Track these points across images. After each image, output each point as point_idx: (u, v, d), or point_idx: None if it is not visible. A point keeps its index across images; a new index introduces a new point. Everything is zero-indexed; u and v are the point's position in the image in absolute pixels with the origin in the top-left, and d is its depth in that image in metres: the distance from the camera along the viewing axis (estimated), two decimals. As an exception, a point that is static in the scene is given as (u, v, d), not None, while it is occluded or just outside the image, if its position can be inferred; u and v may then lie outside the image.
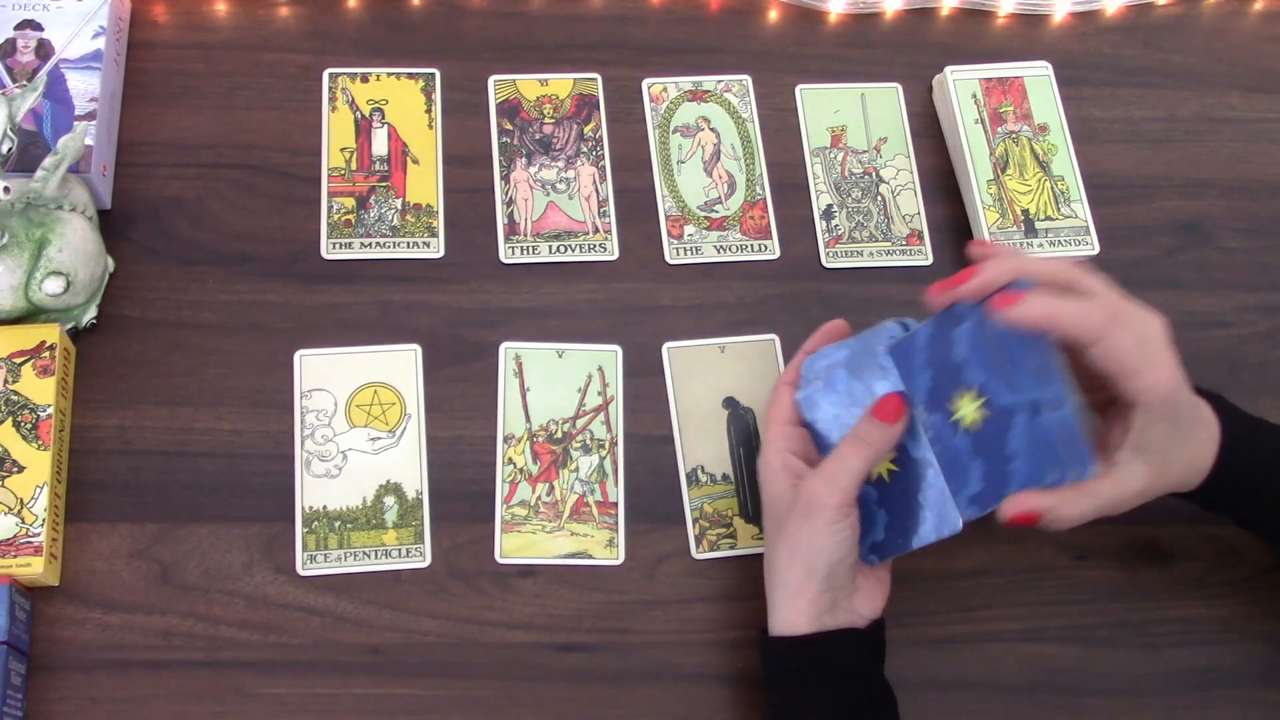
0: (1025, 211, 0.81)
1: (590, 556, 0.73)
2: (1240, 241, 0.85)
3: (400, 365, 0.75)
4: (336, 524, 0.71)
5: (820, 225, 0.82)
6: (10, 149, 0.71)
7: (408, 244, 0.78)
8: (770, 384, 0.75)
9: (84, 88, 0.76)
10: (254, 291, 0.76)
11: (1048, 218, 0.81)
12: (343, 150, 0.80)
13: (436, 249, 0.78)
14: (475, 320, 0.77)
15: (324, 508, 0.72)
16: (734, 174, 0.83)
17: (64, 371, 0.71)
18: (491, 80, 0.84)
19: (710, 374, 0.77)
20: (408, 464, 0.73)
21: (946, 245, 0.82)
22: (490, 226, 0.79)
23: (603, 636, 0.71)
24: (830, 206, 0.83)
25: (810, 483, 0.64)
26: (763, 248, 0.81)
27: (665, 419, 0.76)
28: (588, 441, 0.75)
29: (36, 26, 0.78)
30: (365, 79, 0.83)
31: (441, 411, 0.75)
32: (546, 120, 0.83)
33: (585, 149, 0.82)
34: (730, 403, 0.77)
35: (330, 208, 0.79)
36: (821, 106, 0.85)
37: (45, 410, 0.69)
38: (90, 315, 0.73)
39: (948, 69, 0.85)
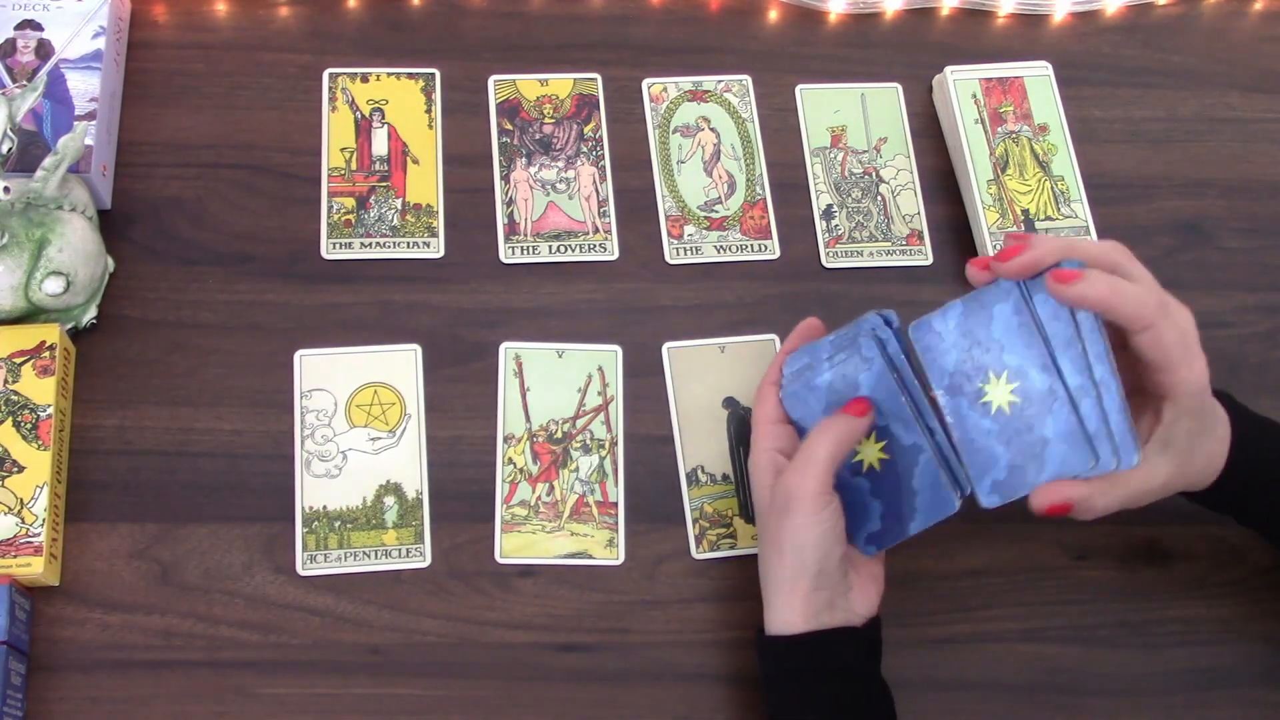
0: (1025, 211, 0.81)
1: (590, 556, 0.73)
2: (1240, 241, 0.85)
3: (400, 365, 0.75)
4: (336, 524, 0.71)
5: (820, 225, 0.82)
6: (10, 149, 0.71)
7: (408, 244, 0.78)
8: (770, 384, 0.76)
9: (84, 88, 0.76)
10: (254, 291, 0.76)
11: (1048, 218, 0.81)
12: (343, 150, 0.80)
13: (436, 249, 0.78)
14: (475, 320, 0.77)
15: (324, 508, 0.72)
16: (734, 174, 0.83)
17: (64, 371, 0.71)
18: (491, 80, 0.84)
19: (710, 374, 0.77)
20: (408, 464, 0.73)
21: (946, 245, 0.82)
22: (490, 226, 0.79)
23: (603, 636, 0.71)
24: (830, 206, 0.83)
25: (784, 477, 0.64)
26: (763, 248, 0.81)
27: (665, 419, 0.76)
28: (588, 441, 0.75)
29: (36, 26, 0.78)
30: (365, 79, 0.83)
31: (441, 411, 0.75)
32: (546, 120, 0.83)
33: (585, 149, 0.82)
34: (730, 403, 0.77)
35: (330, 208, 0.79)
36: (821, 106, 0.86)
37: (45, 410, 0.69)
38: (90, 315, 0.73)
39: (948, 69, 0.85)
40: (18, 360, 0.70)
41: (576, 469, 0.74)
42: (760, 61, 0.86)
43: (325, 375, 0.75)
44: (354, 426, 0.74)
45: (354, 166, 0.80)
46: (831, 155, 0.84)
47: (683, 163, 0.83)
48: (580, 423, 0.75)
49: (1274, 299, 0.83)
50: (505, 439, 0.74)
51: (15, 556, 0.66)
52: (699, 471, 0.75)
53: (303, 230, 0.78)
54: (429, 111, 0.82)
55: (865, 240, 0.82)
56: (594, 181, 0.82)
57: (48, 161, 0.70)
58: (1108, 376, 0.59)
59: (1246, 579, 0.75)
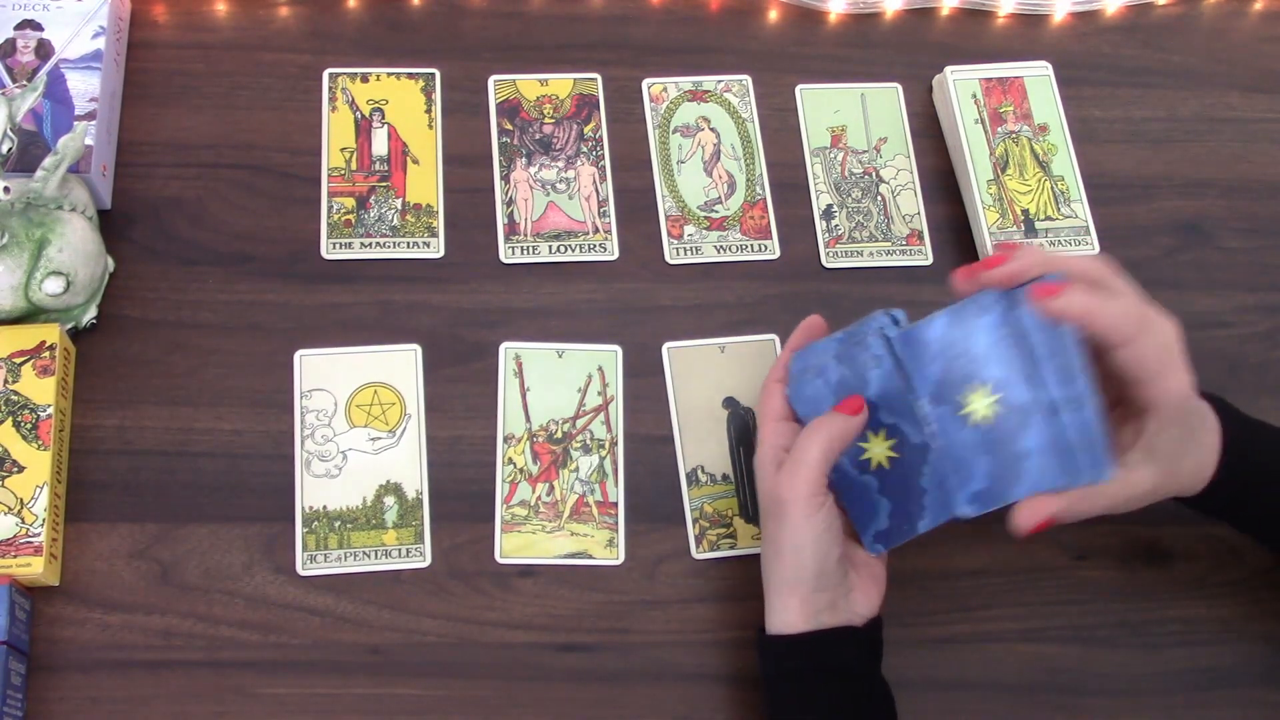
0: (1025, 211, 0.81)
1: (590, 556, 0.73)
2: (1240, 241, 0.85)
3: (400, 365, 0.75)
4: (336, 524, 0.71)
5: (820, 225, 0.82)
6: (10, 149, 0.71)
7: (408, 244, 0.78)
8: (770, 384, 0.76)
9: (84, 88, 0.76)
10: (254, 291, 0.76)
11: (1048, 218, 0.81)
12: (343, 150, 0.80)
13: (436, 249, 0.78)
14: (475, 320, 0.77)
15: (324, 508, 0.72)
16: (734, 174, 0.83)
17: (64, 371, 0.71)
18: (491, 80, 0.84)
19: (710, 374, 0.77)
20: (408, 464, 0.73)
21: (946, 245, 0.82)
22: (490, 226, 0.79)
23: (603, 636, 0.71)
24: (830, 206, 0.83)
25: (778, 479, 0.63)
26: (763, 248, 0.81)
27: (665, 419, 0.76)
28: (588, 441, 0.75)
29: (36, 26, 0.78)
30: (365, 79, 0.83)
31: (441, 411, 0.75)
32: (546, 120, 0.83)
33: (585, 149, 0.82)
34: (730, 403, 0.77)
35: (330, 208, 0.79)
36: (821, 106, 0.86)
37: (45, 410, 0.69)
38: (90, 315, 0.73)
39: (948, 69, 0.85)
40: (18, 360, 0.70)
41: (576, 469, 0.74)
42: (760, 61, 0.86)
43: (325, 375, 0.75)
44: (354, 426, 0.74)
45: (354, 166, 0.80)
46: (831, 155, 0.84)
47: (683, 163, 0.83)
48: (580, 423, 0.75)
49: (1274, 299, 0.83)
50: (505, 439, 0.74)
51: (15, 556, 0.66)
52: (699, 471, 0.75)
53: (303, 230, 0.78)
54: (429, 111, 0.82)
55: (865, 240, 0.82)
56: (594, 181, 0.82)
57: (48, 161, 0.70)
58: (1087, 390, 0.59)
59: (1246, 579, 0.75)
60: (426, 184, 0.80)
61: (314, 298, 0.77)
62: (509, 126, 0.82)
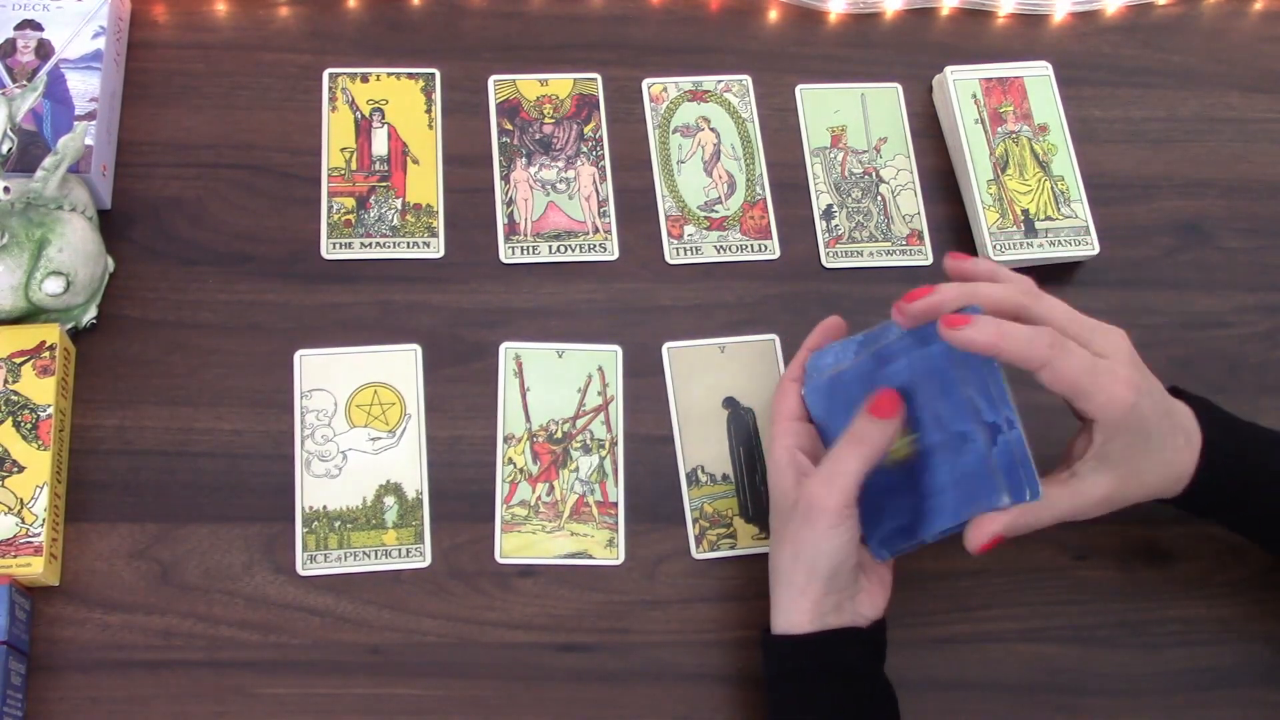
0: (1025, 211, 0.81)
1: (590, 556, 0.73)
2: (1240, 241, 0.85)
3: (400, 365, 0.75)
4: (336, 524, 0.71)
5: (820, 225, 0.82)
6: (10, 149, 0.71)
7: (408, 244, 0.78)
8: (770, 384, 0.75)
9: (84, 88, 0.76)
10: (254, 291, 0.76)
11: (1048, 218, 0.81)
12: (343, 150, 0.80)
13: (436, 249, 0.78)
14: (475, 320, 0.77)
15: (324, 508, 0.72)
16: (734, 174, 0.83)
17: (64, 371, 0.71)
18: (491, 80, 0.84)
19: (710, 374, 0.77)
20: (408, 464, 0.73)
21: (946, 245, 0.82)
22: (490, 226, 0.79)
23: (603, 636, 0.71)
24: (830, 206, 0.83)
25: (810, 485, 0.63)
26: (763, 248, 0.81)
27: (665, 419, 0.76)
28: (588, 441, 0.75)
29: (36, 26, 0.78)
30: (365, 79, 0.83)
31: (441, 411, 0.75)
32: (546, 120, 0.83)
33: (585, 149, 0.82)
34: (730, 403, 0.77)
35: (330, 208, 0.79)
36: (821, 106, 0.85)
37: (45, 410, 0.69)
38: (90, 315, 0.73)
39: (948, 69, 0.85)
40: (18, 360, 0.70)
41: (576, 469, 0.74)
42: (760, 61, 0.86)
43: (325, 375, 0.75)
44: (354, 426, 0.74)
45: (354, 166, 0.80)
46: (831, 155, 0.84)
47: (683, 163, 0.83)
48: (580, 423, 0.75)
49: (1274, 299, 0.83)
50: (505, 439, 0.74)
51: (15, 556, 0.66)
52: (699, 471, 0.75)
53: (303, 230, 0.78)
54: (429, 111, 0.82)
55: (865, 240, 0.82)
56: (594, 181, 0.82)
57: (48, 161, 0.70)
58: (1010, 415, 0.61)
59: (1247, 579, 0.75)
60: (426, 184, 0.80)
61: (314, 298, 0.77)
62: (509, 126, 0.82)
